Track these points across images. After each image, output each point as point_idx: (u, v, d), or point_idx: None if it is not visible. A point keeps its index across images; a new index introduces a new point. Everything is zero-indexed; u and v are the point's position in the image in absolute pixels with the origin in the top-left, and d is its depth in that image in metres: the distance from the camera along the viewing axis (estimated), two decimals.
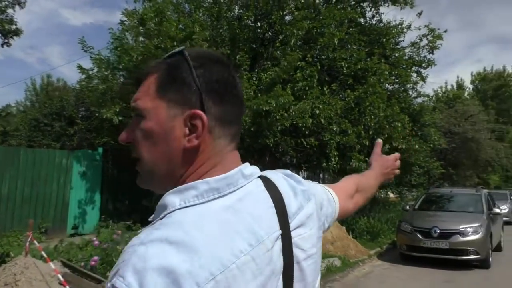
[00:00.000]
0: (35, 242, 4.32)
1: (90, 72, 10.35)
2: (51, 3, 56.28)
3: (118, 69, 10.05)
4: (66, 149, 11.30)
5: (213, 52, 0.84)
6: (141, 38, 10.03)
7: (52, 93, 21.56)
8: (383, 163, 1.40)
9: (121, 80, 10.46)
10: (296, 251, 0.78)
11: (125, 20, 10.10)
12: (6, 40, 8.74)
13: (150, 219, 0.75)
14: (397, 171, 1.46)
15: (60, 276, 3.81)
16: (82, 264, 4.88)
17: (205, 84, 0.74)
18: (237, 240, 0.67)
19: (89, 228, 9.81)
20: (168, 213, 0.69)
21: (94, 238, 5.91)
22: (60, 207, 9.44)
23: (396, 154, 1.47)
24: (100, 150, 10.47)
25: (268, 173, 0.86)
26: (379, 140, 1.44)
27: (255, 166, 0.84)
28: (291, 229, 0.78)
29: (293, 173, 0.93)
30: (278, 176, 0.87)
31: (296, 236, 0.79)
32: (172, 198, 0.71)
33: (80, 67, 10.08)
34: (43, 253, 4.31)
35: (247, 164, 0.82)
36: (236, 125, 0.80)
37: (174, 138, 0.74)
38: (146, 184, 0.81)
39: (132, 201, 11.18)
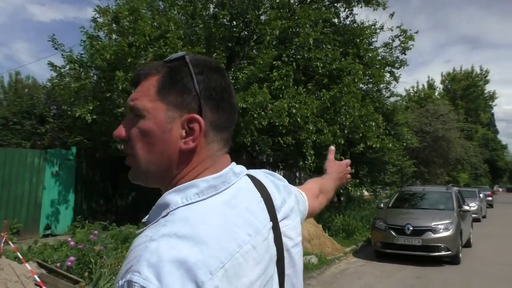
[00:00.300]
0: (10, 243, 4.21)
1: (62, 70, 10.11)
2: None
3: (91, 67, 9.86)
4: (37, 149, 11.01)
5: (211, 60, 0.87)
6: (114, 36, 9.86)
7: (22, 91, 20.95)
8: (337, 168, 1.54)
9: (94, 78, 10.26)
10: (285, 240, 0.85)
11: (98, 17, 9.93)
12: None
13: (144, 220, 0.78)
14: (349, 176, 1.60)
15: (36, 277, 3.74)
16: (58, 264, 4.78)
17: (204, 90, 0.78)
18: (238, 231, 0.73)
19: (63, 229, 9.58)
20: (171, 210, 0.72)
21: (69, 239, 5.79)
22: (32, 207, 9.19)
23: (347, 161, 1.62)
24: (74, 149, 10.24)
25: (252, 172, 0.93)
26: (332, 147, 1.57)
27: (242, 165, 0.89)
28: (279, 220, 0.86)
29: (273, 172, 1.00)
30: (261, 174, 0.94)
31: (283, 226, 0.86)
32: (173, 197, 0.74)
33: (51, 64, 9.84)
34: (18, 254, 4.21)
35: (234, 163, 0.87)
36: (228, 131, 0.84)
37: (171, 139, 0.77)
38: (138, 180, 0.83)
39: (106, 201, 11.00)
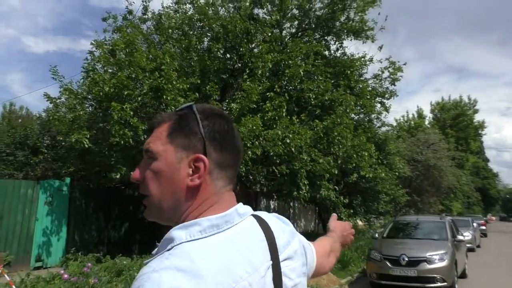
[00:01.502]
0: (6, 275, 4.16)
1: (58, 101, 10.19)
2: (12, 31, 55.24)
3: (87, 98, 9.95)
4: (29, 179, 10.94)
5: (216, 108, 0.98)
6: (110, 70, 10.02)
7: (15, 122, 20.97)
8: (341, 227, 1.56)
9: (89, 109, 10.34)
10: (284, 279, 0.90)
11: (94, 50, 10.11)
12: None
13: (153, 252, 0.84)
14: (352, 237, 1.63)
15: None
16: None
17: (208, 133, 0.88)
18: (236, 268, 0.78)
19: (55, 261, 9.41)
20: (176, 245, 0.79)
21: (62, 271, 5.70)
22: (24, 239, 9.04)
23: (349, 223, 1.64)
24: (68, 180, 10.19)
25: (260, 213, 0.99)
26: (335, 214, 1.60)
27: (248, 206, 0.97)
28: (280, 260, 0.91)
29: (281, 216, 1.07)
30: (269, 216, 1.01)
31: (284, 266, 0.91)
32: (178, 233, 0.81)
33: (47, 95, 9.92)
34: (13, 287, 4.15)
35: (241, 204, 0.94)
36: (233, 170, 0.92)
37: (179, 178, 0.86)
38: (153, 216, 0.91)
39: (99, 232, 10.87)
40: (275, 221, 1.00)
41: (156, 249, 0.84)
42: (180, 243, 0.79)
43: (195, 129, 0.87)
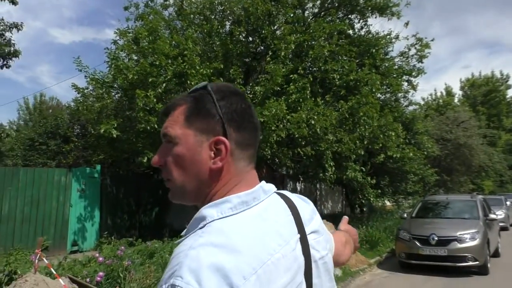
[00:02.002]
0: (44, 259, 4.37)
1: (85, 91, 10.43)
2: (39, 23, 56.38)
3: (113, 87, 10.15)
4: (62, 167, 11.32)
5: (231, 85, 0.96)
6: (135, 57, 10.16)
7: (46, 112, 21.58)
8: (354, 231, 1.51)
9: (116, 97, 10.54)
10: (312, 252, 0.92)
11: (118, 39, 10.26)
12: (5, 62, 8.81)
13: (183, 233, 0.85)
14: (358, 245, 1.56)
15: None
16: (88, 280, 4.92)
17: (226, 114, 0.87)
18: (269, 241, 0.80)
19: (89, 245, 9.80)
20: (208, 223, 0.80)
21: (97, 255, 5.93)
22: (60, 224, 9.44)
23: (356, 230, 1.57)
24: (98, 167, 10.49)
25: (282, 191, 1.02)
26: (346, 217, 1.54)
27: (271, 184, 0.98)
28: (307, 233, 0.93)
29: (301, 195, 1.08)
30: (290, 194, 1.02)
31: (311, 239, 0.94)
32: (209, 211, 0.83)
33: (75, 86, 10.16)
34: (52, 269, 4.36)
35: (264, 181, 0.96)
36: (253, 148, 0.92)
37: (201, 161, 0.86)
38: (177, 199, 0.92)
39: (130, 217, 11.19)
40: (297, 198, 1.02)
41: (185, 230, 0.85)
42: (212, 221, 0.80)
43: (212, 111, 0.87)
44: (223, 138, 0.85)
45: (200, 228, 0.80)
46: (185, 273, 0.69)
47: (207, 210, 0.83)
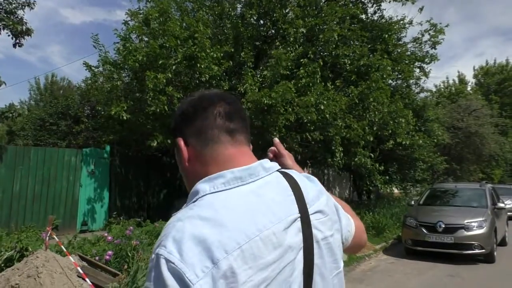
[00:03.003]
0: (55, 237, 4.46)
1: (96, 70, 10.45)
2: (50, 2, 56.28)
3: (124, 68, 10.16)
4: (72, 148, 11.44)
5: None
6: (145, 38, 10.12)
7: (57, 93, 21.73)
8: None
9: (126, 79, 10.56)
10: (314, 231, 0.92)
11: (129, 20, 10.22)
12: (18, 41, 8.83)
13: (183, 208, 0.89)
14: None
15: (79, 269, 3.95)
16: (97, 258, 5.02)
17: (180, 116, 1.01)
18: (260, 217, 0.82)
19: (98, 225, 9.95)
20: (200, 197, 0.85)
21: (106, 234, 6.03)
22: (70, 204, 9.59)
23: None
24: (108, 148, 10.59)
25: (288, 170, 1.02)
26: (276, 139, 1.31)
27: (275, 162, 1.00)
28: (310, 213, 0.93)
29: (310, 175, 1.08)
30: (297, 173, 1.02)
31: (314, 219, 0.93)
32: (203, 185, 0.87)
33: (87, 64, 10.18)
34: (62, 247, 4.46)
35: (267, 159, 0.98)
36: (218, 130, 0.97)
37: (182, 159, 0.98)
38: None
39: (139, 198, 11.32)
40: (302, 178, 1.02)
41: (185, 205, 0.88)
42: (205, 195, 0.84)
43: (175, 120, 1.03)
44: (178, 136, 0.99)
45: (193, 202, 0.84)
46: (169, 243, 0.74)
47: (201, 185, 0.87)
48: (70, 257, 4.15)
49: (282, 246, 0.82)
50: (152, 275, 0.73)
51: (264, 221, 0.81)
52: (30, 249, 4.80)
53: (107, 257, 4.97)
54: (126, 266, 4.72)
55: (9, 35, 8.79)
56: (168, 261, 0.72)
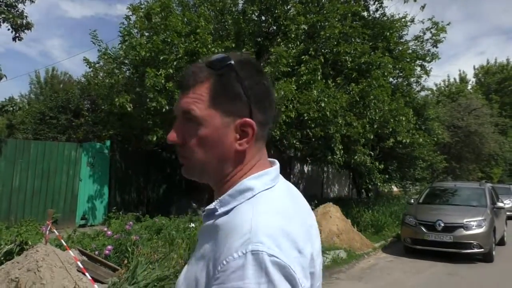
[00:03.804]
0: (55, 231, 4.46)
1: (96, 65, 10.43)
2: None
3: (125, 63, 10.13)
4: (72, 142, 11.42)
5: (254, 60, 0.94)
6: (146, 33, 10.09)
7: (57, 86, 21.68)
8: None
9: (127, 74, 10.53)
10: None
11: (131, 15, 10.18)
12: (17, 34, 8.78)
13: (212, 206, 0.87)
14: None
15: (79, 263, 3.95)
16: (97, 253, 5.02)
17: (252, 95, 0.86)
18: (301, 212, 0.89)
19: (98, 219, 9.95)
20: (257, 193, 0.83)
21: (105, 229, 6.03)
22: (69, 198, 9.58)
23: None
24: (108, 142, 10.57)
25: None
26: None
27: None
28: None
29: None
30: None
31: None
32: (253, 182, 0.85)
33: (86, 60, 10.16)
34: (62, 241, 4.45)
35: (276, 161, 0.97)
36: (269, 126, 0.92)
37: (227, 142, 0.85)
38: (193, 176, 0.92)
39: (138, 193, 11.32)
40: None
41: (216, 202, 0.86)
42: (260, 192, 0.83)
43: (239, 91, 0.85)
44: (250, 121, 0.85)
45: (249, 199, 0.82)
46: (264, 238, 0.72)
47: (251, 182, 0.85)
48: (70, 251, 4.15)
49: (317, 238, 0.91)
50: (249, 272, 0.69)
51: (304, 215, 0.88)
52: (30, 242, 4.80)
53: (107, 251, 4.98)
54: (126, 261, 4.73)
55: (8, 29, 8.75)
56: (271, 255, 0.70)
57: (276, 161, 0.94)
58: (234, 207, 0.82)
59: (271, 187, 0.85)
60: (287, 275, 0.71)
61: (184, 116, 0.87)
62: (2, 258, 4.61)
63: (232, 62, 0.86)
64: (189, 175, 0.92)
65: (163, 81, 8.41)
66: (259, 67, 0.93)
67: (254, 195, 0.82)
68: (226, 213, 0.82)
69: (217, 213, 0.84)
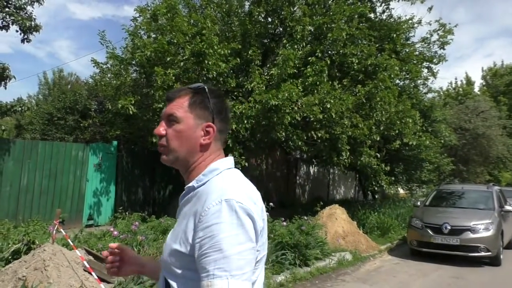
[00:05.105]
0: (62, 230, 4.50)
1: (104, 66, 10.50)
2: None
3: (131, 64, 10.18)
4: (79, 142, 11.49)
5: (218, 89, 1.44)
6: (153, 35, 10.14)
7: (65, 87, 21.84)
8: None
9: (134, 75, 10.59)
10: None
11: (138, 17, 10.25)
12: (26, 36, 8.86)
13: (192, 183, 1.21)
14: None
15: (85, 263, 3.98)
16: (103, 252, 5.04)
17: (215, 110, 1.25)
18: (255, 193, 1.18)
19: (104, 219, 10.00)
20: (222, 171, 1.20)
21: (112, 229, 6.06)
22: (76, 198, 9.65)
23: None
24: (115, 143, 10.63)
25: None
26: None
27: None
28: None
29: None
30: None
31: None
32: (219, 164, 1.22)
33: (94, 61, 10.23)
34: (69, 241, 4.49)
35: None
36: (225, 134, 1.32)
37: (196, 137, 1.22)
38: (169, 162, 1.25)
39: (145, 193, 11.37)
40: None
41: (195, 180, 1.20)
42: (224, 170, 1.20)
43: (207, 105, 1.23)
44: (213, 124, 1.22)
45: (217, 175, 1.18)
46: (232, 194, 1.07)
47: (217, 164, 1.21)
48: (76, 250, 4.18)
49: (264, 219, 1.18)
50: (224, 213, 1.03)
51: (257, 196, 1.17)
52: (37, 242, 4.84)
53: None
54: None
55: (17, 31, 8.83)
56: (238, 202, 1.05)
57: (232, 156, 1.28)
58: (208, 180, 1.17)
59: (231, 168, 1.22)
60: (250, 215, 1.05)
61: (168, 118, 1.24)
62: (9, 257, 4.65)
63: (205, 87, 1.26)
64: (167, 162, 1.24)
65: (173, 78, 8.44)
66: (221, 94, 1.34)
67: (221, 172, 1.19)
68: (202, 186, 1.17)
69: (195, 187, 1.19)
